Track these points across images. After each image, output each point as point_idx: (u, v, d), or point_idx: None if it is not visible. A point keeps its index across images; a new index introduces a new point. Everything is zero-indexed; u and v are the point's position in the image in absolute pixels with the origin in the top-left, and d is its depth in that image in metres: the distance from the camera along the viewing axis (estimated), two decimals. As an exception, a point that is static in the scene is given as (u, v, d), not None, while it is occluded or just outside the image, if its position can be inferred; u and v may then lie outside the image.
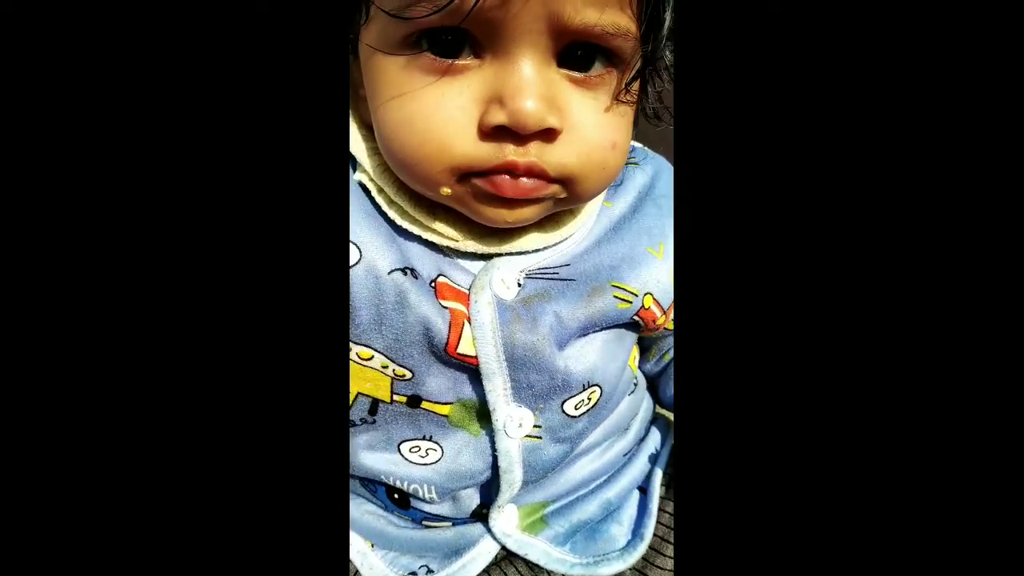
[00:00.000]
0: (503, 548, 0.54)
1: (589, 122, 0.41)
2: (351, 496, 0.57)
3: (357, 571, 0.54)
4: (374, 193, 0.47)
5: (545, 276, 0.49)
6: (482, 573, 0.55)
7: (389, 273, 0.45)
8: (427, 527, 0.55)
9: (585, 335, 0.49)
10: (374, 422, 0.50)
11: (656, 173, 0.54)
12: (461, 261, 0.48)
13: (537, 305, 0.47)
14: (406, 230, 0.47)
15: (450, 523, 0.54)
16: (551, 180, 0.42)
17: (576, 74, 0.41)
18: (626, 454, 0.57)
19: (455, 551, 0.54)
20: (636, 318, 0.50)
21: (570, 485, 0.55)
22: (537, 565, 0.54)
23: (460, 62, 0.39)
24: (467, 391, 0.49)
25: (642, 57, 0.42)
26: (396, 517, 0.55)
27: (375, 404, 0.49)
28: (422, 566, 0.54)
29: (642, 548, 0.54)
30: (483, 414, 0.49)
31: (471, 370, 0.48)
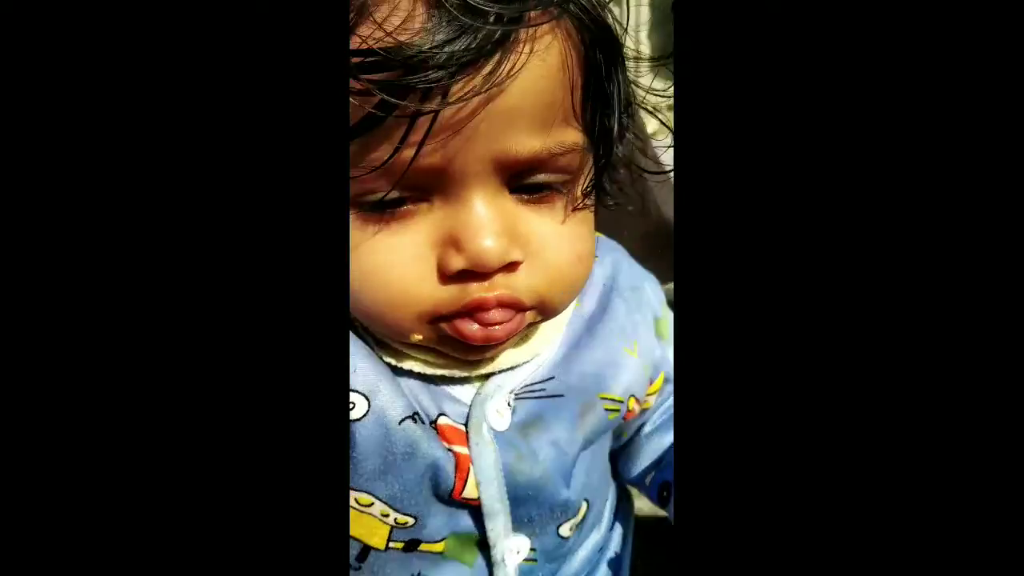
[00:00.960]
0: None
1: (551, 242, 0.40)
2: None
3: None
4: (363, 335, 0.44)
5: (534, 395, 0.48)
6: None
7: (400, 423, 0.43)
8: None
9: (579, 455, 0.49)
10: (359, 569, 0.47)
11: (615, 263, 0.55)
12: (452, 390, 0.47)
13: (535, 437, 0.47)
14: (399, 367, 0.45)
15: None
16: (523, 308, 0.41)
17: (529, 196, 0.39)
18: (600, 549, 0.57)
19: None
20: (621, 419, 0.51)
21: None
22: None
23: (406, 207, 0.37)
24: (464, 524, 0.48)
25: (594, 164, 0.42)
26: None
27: (365, 550, 0.46)
28: None
29: None
30: (479, 544, 0.48)
31: (470, 507, 0.47)
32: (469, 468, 0.45)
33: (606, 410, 0.49)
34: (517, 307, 0.41)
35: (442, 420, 0.45)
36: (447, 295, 0.39)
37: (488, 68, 0.33)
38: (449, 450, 0.44)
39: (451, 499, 0.45)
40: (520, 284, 0.40)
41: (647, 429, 0.58)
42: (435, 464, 0.43)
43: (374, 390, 0.43)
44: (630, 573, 0.60)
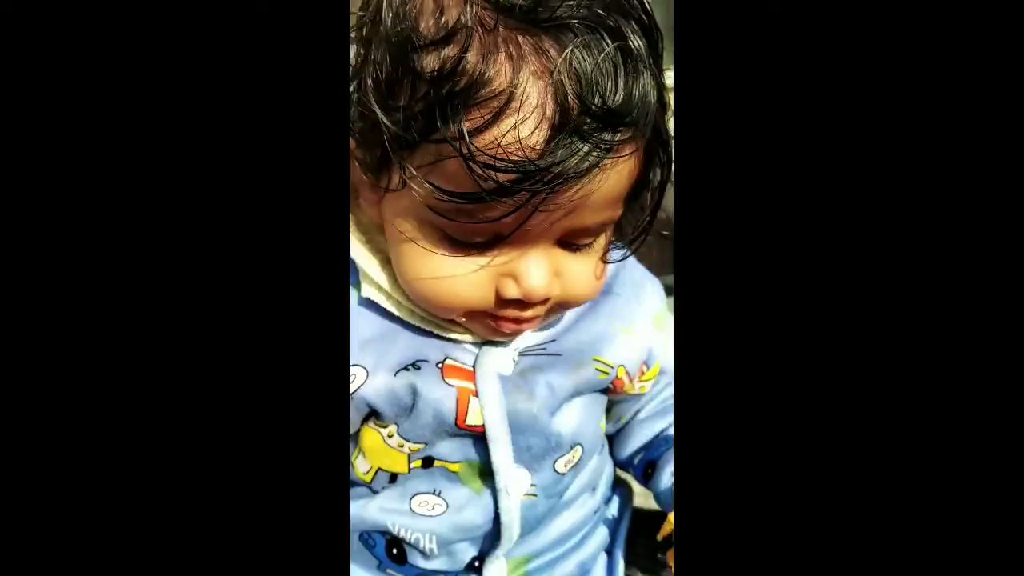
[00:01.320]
0: None
1: (581, 277, 0.52)
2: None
3: None
4: (385, 303, 0.55)
5: (536, 353, 0.58)
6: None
7: (395, 375, 0.53)
8: (419, 583, 0.60)
9: (570, 400, 0.58)
10: (392, 485, 0.56)
11: (625, 264, 0.65)
12: (464, 344, 0.57)
13: (532, 376, 0.56)
14: (419, 328, 0.55)
15: (443, 576, 0.60)
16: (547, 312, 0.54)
17: (572, 248, 0.51)
18: (595, 512, 0.64)
19: None
20: (610, 384, 0.60)
21: (550, 540, 0.61)
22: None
23: (484, 248, 0.48)
24: (473, 453, 0.57)
25: (621, 224, 0.53)
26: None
27: (394, 476, 0.57)
28: None
29: None
30: (486, 474, 0.56)
31: (477, 436, 0.56)
32: (469, 399, 0.54)
33: (597, 370, 0.58)
34: (544, 315, 0.53)
35: (448, 361, 0.55)
36: (496, 307, 0.51)
37: (583, 183, 0.42)
38: (450, 385, 0.54)
39: (456, 428, 0.54)
40: (550, 306, 0.52)
41: (641, 416, 0.67)
42: (436, 399, 0.53)
43: (369, 363, 0.53)
44: (627, 546, 0.66)
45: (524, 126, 0.41)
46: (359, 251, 0.54)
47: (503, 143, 0.40)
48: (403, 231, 0.48)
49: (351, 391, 0.53)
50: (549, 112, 0.41)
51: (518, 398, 0.55)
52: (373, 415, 0.56)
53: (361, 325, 0.55)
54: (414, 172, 0.43)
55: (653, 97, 0.43)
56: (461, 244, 0.47)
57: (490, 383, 0.55)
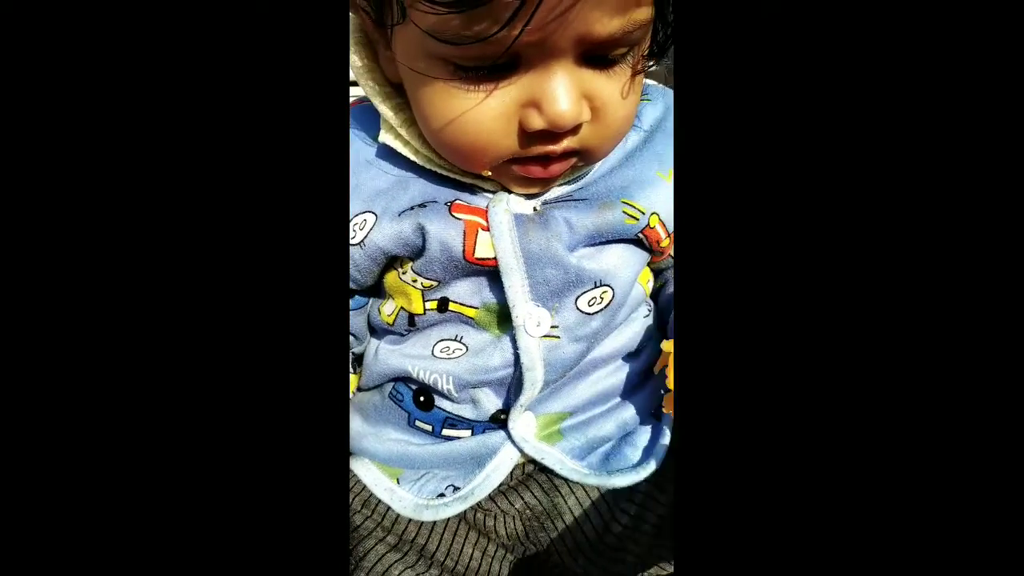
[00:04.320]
0: (522, 454, 0.57)
1: (613, 104, 0.47)
2: (374, 429, 0.61)
3: (388, 508, 0.57)
4: (403, 150, 0.53)
5: (560, 200, 0.54)
6: (504, 483, 0.57)
7: (400, 215, 0.52)
8: (448, 439, 0.58)
9: (595, 244, 0.54)
10: (416, 330, 0.55)
11: (668, 107, 0.59)
12: (484, 192, 0.54)
13: (548, 212, 0.52)
14: (436, 174, 0.53)
15: (470, 430, 0.57)
16: (577, 154, 0.49)
17: (600, 65, 0.46)
18: (639, 374, 0.59)
19: (477, 462, 0.57)
20: (642, 235, 0.54)
21: (585, 398, 0.57)
22: (554, 474, 0.57)
23: (499, 74, 0.44)
24: (489, 295, 0.54)
25: (655, 36, 0.47)
26: (418, 435, 0.59)
27: (412, 318, 0.55)
28: (448, 486, 0.57)
29: (653, 466, 0.56)
30: (504, 316, 0.53)
31: (491, 274, 0.53)
32: (477, 232, 0.51)
33: (624, 213, 0.53)
34: (573, 154, 0.49)
35: (458, 201, 0.52)
36: (523, 146, 0.47)
37: None
38: (457, 219, 0.51)
39: (466, 262, 0.51)
40: (582, 138, 0.47)
41: (669, 289, 0.62)
42: (441, 232, 0.51)
43: (378, 207, 0.52)
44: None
45: None
46: (378, 97, 0.53)
47: None
48: (418, 75, 0.46)
49: (362, 238, 0.52)
50: None
51: (531, 228, 0.51)
52: (394, 258, 0.55)
53: (376, 175, 0.54)
54: None
55: None
56: (475, 74, 0.44)
57: (502, 215, 0.52)
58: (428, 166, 0.53)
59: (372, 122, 0.55)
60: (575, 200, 0.54)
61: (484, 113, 0.45)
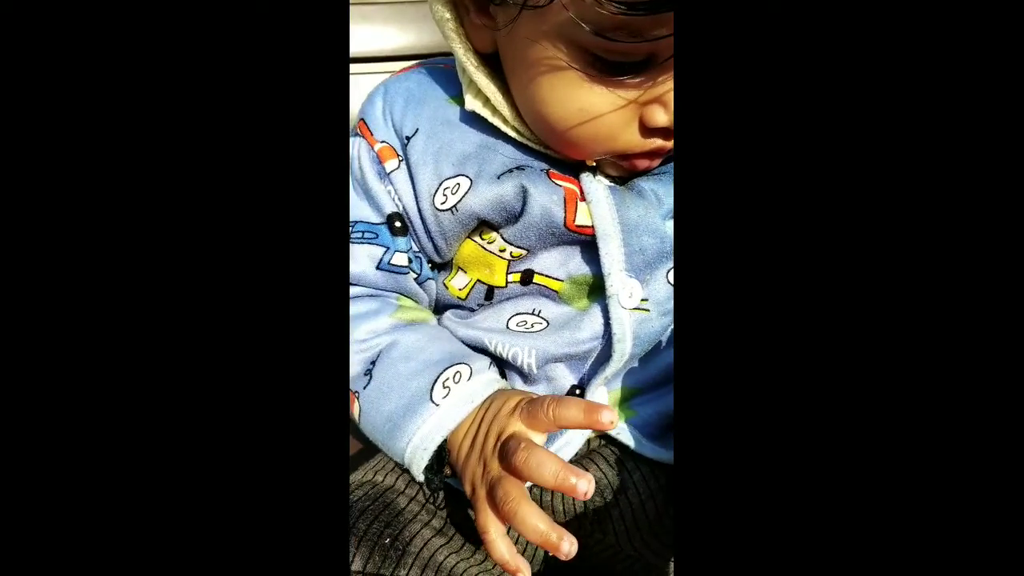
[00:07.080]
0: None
1: None
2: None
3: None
4: (491, 118, 0.50)
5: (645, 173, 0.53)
6: (577, 456, 0.55)
7: (499, 177, 0.49)
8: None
9: None
10: (489, 304, 0.51)
11: None
12: (570, 162, 0.52)
13: (637, 184, 0.52)
14: (522, 143, 0.51)
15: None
16: None
17: None
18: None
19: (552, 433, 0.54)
20: None
21: (656, 373, 0.56)
22: (623, 449, 0.55)
23: (630, 73, 0.43)
24: (578, 267, 0.52)
25: None
26: None
27: (490, 291, 0.52)
28: None
29: None
30: (594, 288, 0.51)
31: (584, 243, 0.50)
32: (577, 201, 0.49)
33: None
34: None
35: (552, 170, 0.51)
36: (638, 141, 0.46)
37: None
38: (559, 186, 0.49)
39: (565, 230, 0.49)
40: None
41: None
42: (545, 198, 0.49)
43: (473, 171, 0.50)
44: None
45: None
46: (471, 64, 0.49)
47: None
48: (541, 58, 0.43)
49: (455, 203, 0.48)
50: None
51: (626, 196, 0.50)
52: (481, 227, 0.51)
53: (460, 137, 0.51)
54: None
55: None
56: (612, 67, 0.42)
57: (598, 184, 0.50)
58: (518, 138, 0.51)
59: (447, 83, 0.53)
60: (658, 174, 0.53)
61: (610, 106, 0.44)
